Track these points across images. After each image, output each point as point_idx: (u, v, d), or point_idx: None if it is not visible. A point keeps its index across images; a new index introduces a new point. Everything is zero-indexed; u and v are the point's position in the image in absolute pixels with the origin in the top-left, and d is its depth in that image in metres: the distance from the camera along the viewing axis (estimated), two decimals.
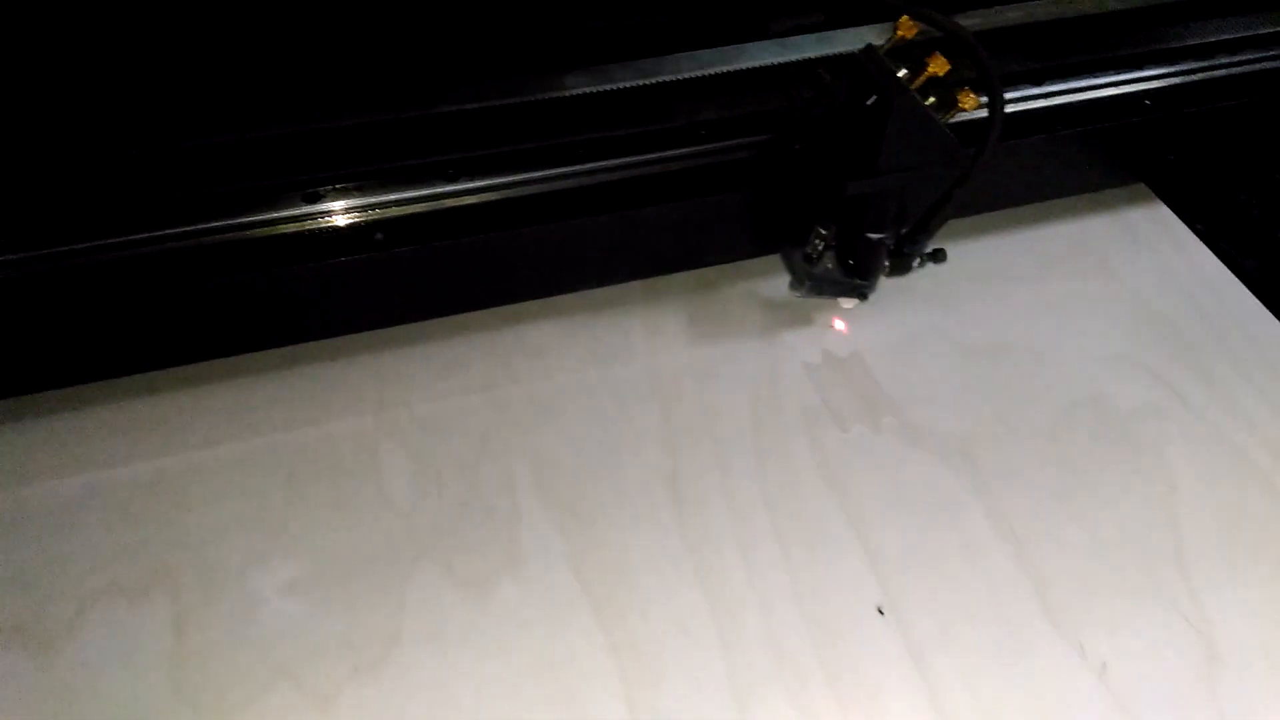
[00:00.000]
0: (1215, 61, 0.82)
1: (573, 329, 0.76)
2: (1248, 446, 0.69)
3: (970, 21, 0.78)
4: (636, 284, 0.78)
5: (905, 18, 0.63)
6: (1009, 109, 0.77)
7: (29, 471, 0.65)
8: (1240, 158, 0.88)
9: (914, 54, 0.63)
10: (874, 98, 0.62)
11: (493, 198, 0.69)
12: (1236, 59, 0.83)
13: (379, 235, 0.67)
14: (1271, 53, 0.83)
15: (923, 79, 0.63)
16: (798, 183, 0.71)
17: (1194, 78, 0.82)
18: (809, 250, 0.70)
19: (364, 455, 0.67)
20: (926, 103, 0.64)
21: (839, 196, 0.65)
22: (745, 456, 0.68)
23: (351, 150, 0.68)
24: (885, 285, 0.78)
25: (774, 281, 0.79)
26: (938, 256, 0.74)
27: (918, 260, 0.73)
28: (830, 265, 0.72)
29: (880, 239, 0.69)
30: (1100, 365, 0.74)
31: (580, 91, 0.71)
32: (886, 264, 0.72)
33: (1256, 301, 0.79)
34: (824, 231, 0.69)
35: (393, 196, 0.68)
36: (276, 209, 0.66)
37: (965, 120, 0.67)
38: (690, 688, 0.56)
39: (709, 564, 0.62)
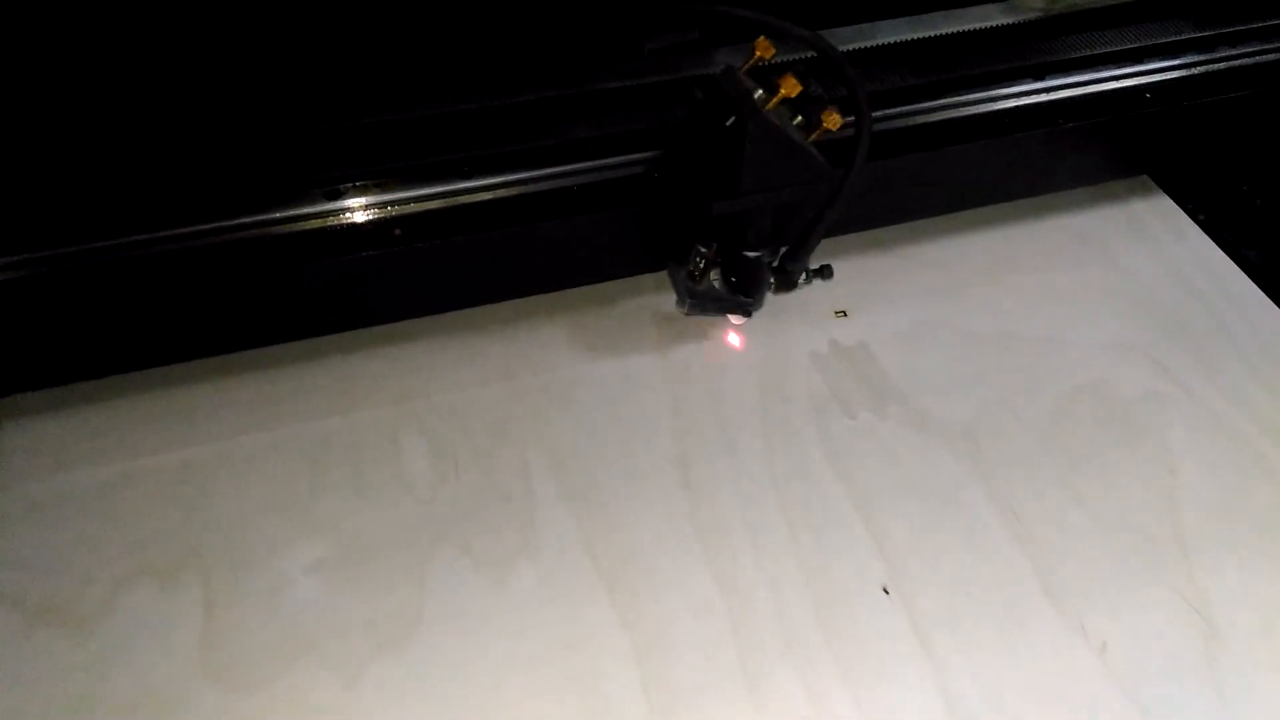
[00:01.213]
0: (1216, 54, 0.83)
1: (585, 321, 0.77)
2: (1248, 432, 0.71)
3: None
4: (648, 277, 0.80)
5: (762, 38, 0.63)
6: (1011, 102, 0.79)
7: (66, 459, 0.68)
8: (1242, 150, 0.89)
9: (778, 74, 0.63)
10: (732, 118, 0.62)
11: (505, 194, 0.71)
12: (1237, 51, 0.84)
13: (397, 231, 0.69)
14: (1274, 45, 0.85)
15: (776, 100, 0.63)
16: (677, 200, 0.71)
17: (1195, 70, 0.83)
18: (691, 268, 0.70)
19: (385, 443, 0.69)
20: (795, 122, 0.64)
21: (707, 216, 0.65)
22: (754, 443, 0.69)
23: (371, 149, 0.70)
24: (892, 277, 0.80)
25: None
26: (824, 273, 0.73)
27: (803, 276, 0.73)
28: (716, 283, 0.71)
29: (758, 257, 0.69)
30: (1103, 353, 0.75)
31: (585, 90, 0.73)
32: (772, 281, 0.72)
33: (1258, 290, 0.80)
34: (704, 250, 0.69)
35: (410, 193, 0.70)
36: (299, 206, 0.69)
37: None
38: (702, 665, 0.58)
39: (719, 546, 0.64)
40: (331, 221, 0.69)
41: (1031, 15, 0.82)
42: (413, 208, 0.70)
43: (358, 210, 0.69)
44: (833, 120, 0.64)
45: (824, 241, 0.69)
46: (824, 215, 0.67)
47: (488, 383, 0.73)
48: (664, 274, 0.80)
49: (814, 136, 0.65)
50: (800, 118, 0.65)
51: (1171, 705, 0.57)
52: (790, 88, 0.62)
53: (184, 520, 0.64)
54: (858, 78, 0.62)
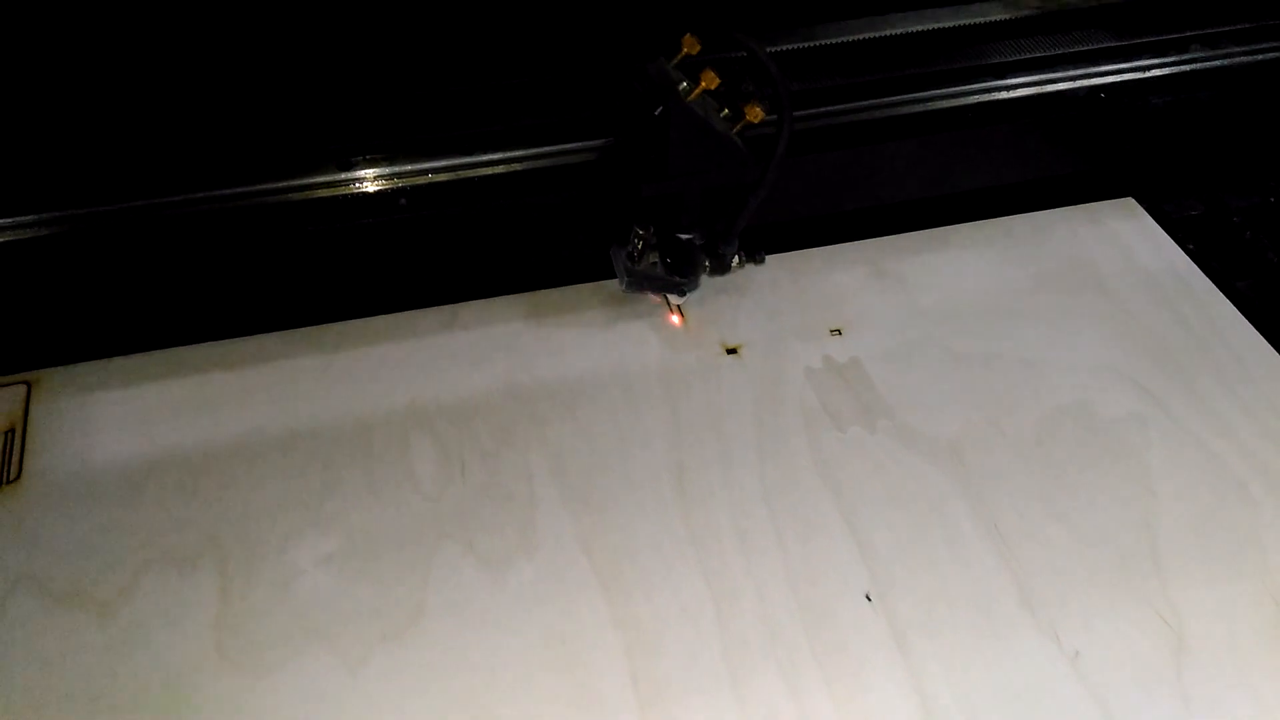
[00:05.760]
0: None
1: (590, 330, 0.81)
2: (1225, 454, 0.73)
3: None
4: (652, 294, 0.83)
5: (689, 35, 0.69)
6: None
7: (94, 449, 0.71)
8: (1233, 179, 0.92)
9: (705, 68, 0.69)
10: (660, 108, 0.68)
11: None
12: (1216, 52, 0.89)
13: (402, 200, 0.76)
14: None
15: (698, 91, 0.68)
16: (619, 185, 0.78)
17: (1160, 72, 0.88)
18: (630, 249, 0.76)
19: (395, 443, 0.72)
20: (722, 114, 0.70)
21: (638, 198, 0.72)
22: (747, 453, 0.72)
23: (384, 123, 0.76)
24: (885, 297, 0.83)
25: (781, 292, 0.84)
26: (757, 258, 0.79)
27: (735, 260, 0.78)
28: (654, 263, 0.77)
29: (690, 239, 0.75)
30: (1087, 375, 0.78)
31: None
32: (707, 263, 0.78)
33: (1242, 318, 0.82)
34: (642, 231, 0.75)
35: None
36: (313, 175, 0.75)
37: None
38: (689, 662, 0.61)
39: (710, 550, 0.66)
40: (342, 190, 0.76)
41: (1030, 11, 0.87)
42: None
43: (368, 181, 0.76)
44: (754, 113, 0.70)
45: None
46: (749, 202, 0.73)
47: (494, 387, 0.76)
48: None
49: (737, 128, 0.71)
50: (727, 110, 0.71)
51: (1139, 713, 0.59)
52: (709, 80, 0.68)
53: (203, 511, 0.68)
54: (780, 74, 0.68)
